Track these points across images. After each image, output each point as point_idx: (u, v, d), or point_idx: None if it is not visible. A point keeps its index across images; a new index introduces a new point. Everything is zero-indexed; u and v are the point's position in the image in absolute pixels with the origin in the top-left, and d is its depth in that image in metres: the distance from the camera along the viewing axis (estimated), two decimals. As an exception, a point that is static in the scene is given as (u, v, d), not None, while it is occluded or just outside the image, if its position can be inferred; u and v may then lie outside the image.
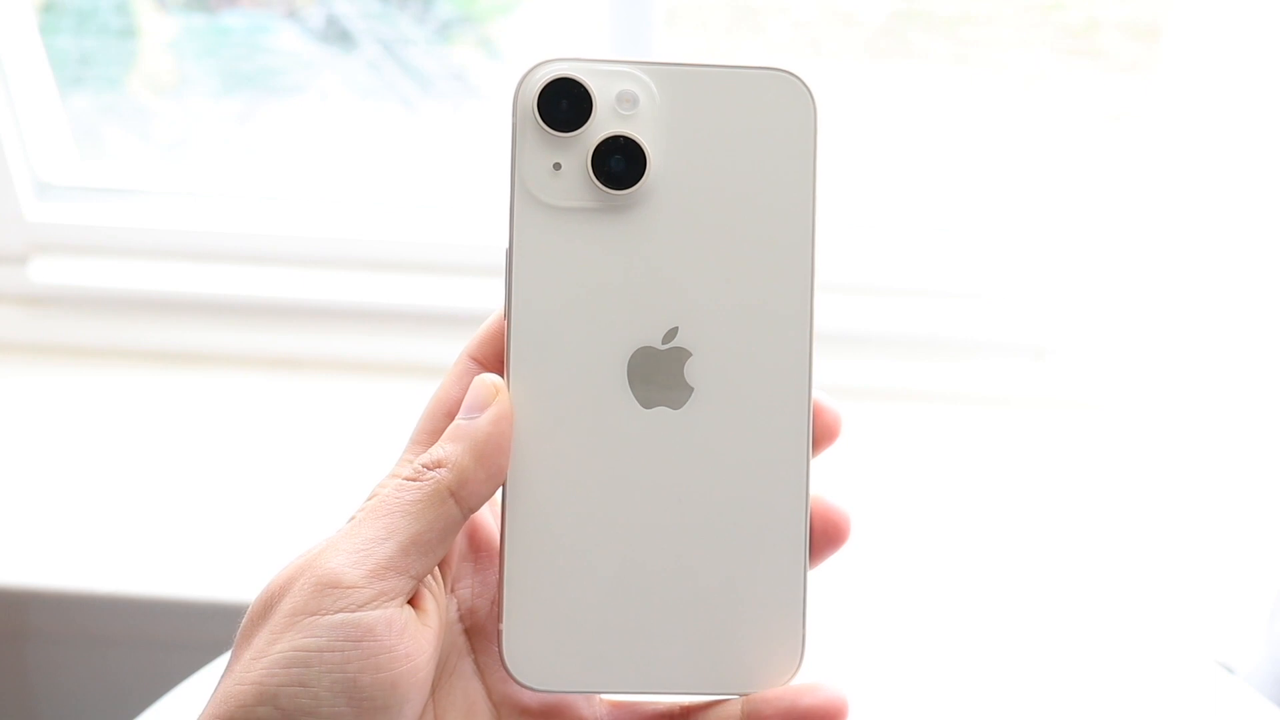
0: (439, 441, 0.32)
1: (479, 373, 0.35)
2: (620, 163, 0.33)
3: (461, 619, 0.35)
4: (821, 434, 0.35)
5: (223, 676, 0.31)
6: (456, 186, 0.97)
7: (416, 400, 0.36)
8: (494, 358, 0.35)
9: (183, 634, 0.74)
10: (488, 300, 0.90)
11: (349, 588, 0.30)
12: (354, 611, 0.29)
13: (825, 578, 0.35)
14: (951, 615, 0.62)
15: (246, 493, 0.82)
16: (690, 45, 0.95)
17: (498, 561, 0.34)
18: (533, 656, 0.33)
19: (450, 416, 0.34)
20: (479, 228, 0.94)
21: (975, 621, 0.61)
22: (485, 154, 0.99)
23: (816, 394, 0.34)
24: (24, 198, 0.94)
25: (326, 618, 0.29)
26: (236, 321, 0.95)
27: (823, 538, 0.34)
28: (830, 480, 0.36)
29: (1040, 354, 0.91)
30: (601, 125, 0.33)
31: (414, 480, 0.31)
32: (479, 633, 0.35)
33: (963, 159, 0.94)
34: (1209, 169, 0.88)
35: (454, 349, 0.36)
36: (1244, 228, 0.88)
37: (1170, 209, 0.90)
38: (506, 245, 0.33)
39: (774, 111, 0.33)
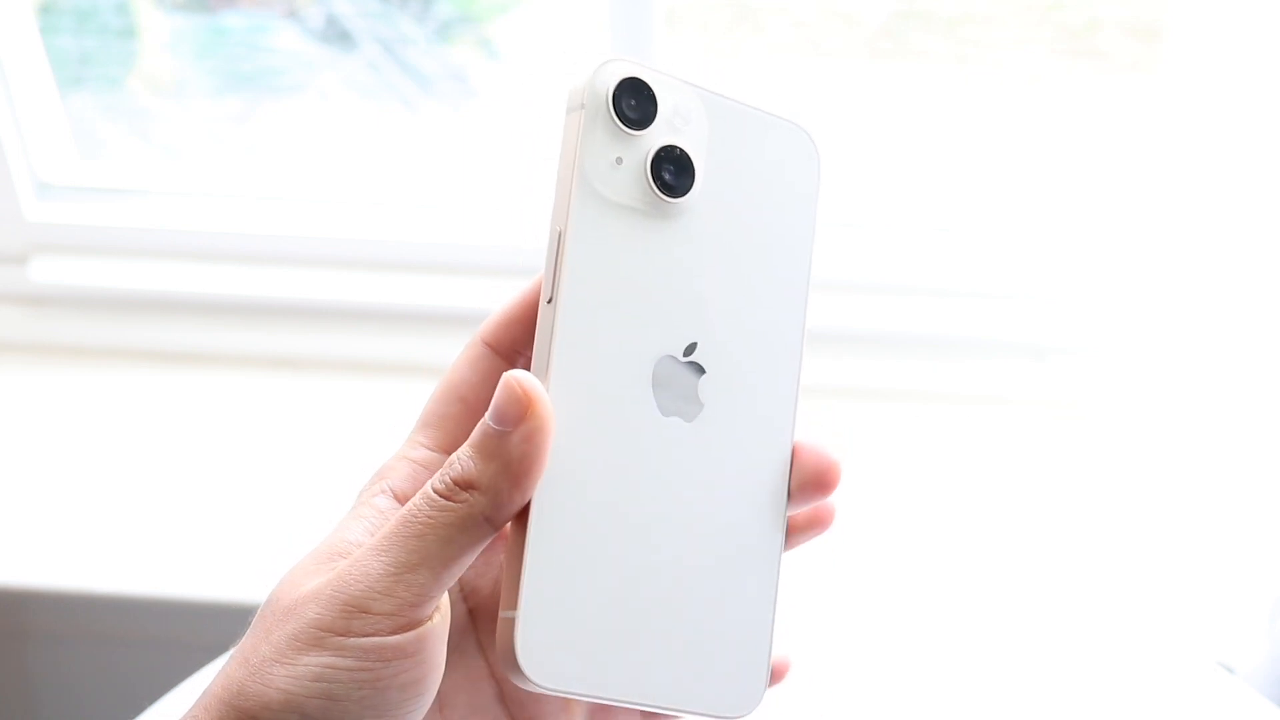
0: (471, 451, 0.30)
1: (491, 358, 0.34)
2: (673, 172, 0.33)
3: (465, 598, 0.35)
4: (816, 483, 0.34)
5: (233, 655, 0.30)
6: (456, 187, 0.97)
7: (417, 401, 0.36)
8: (508, 343, 0.34)
9: (183, 634, 0.74)
10: (489, 300, 0.90)
11: (378, 615, 0.29)
12: (384, 636, 0.29)
13: (826, 578, 0.35)
14: (951, 616, 0.62)
15: (246, 493, 0.82)
16: (690, 45, 0.95)
17: (510, 552, 0.33)
18: (545, 656, 0.32)
19: (462, 402, 0.34)
20: (479, 228, 0.94)
21: (975, 622, 0.61)
22: (485, 154, 0.99)
23: (823, 440, 0.35)
24: (24, 198, 0.94)
25: (355, 640, 0.29)
26: (236, 321, 0.95)
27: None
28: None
29: (1040, 354, 0.91)
30: (660, 132, 0.33)
31: (447, 500, 0.30)
32: (482, 611, 0.35)
33: (963, 159, 0.94)
34: (1209, 169, 0.88)
35: (455, 349, 0.36)
36: (1244, 228, 0.88)
37: (1170, 209, 0.90)
38: (556, 229, 0.33)
39: (787, 158, 0.35)
